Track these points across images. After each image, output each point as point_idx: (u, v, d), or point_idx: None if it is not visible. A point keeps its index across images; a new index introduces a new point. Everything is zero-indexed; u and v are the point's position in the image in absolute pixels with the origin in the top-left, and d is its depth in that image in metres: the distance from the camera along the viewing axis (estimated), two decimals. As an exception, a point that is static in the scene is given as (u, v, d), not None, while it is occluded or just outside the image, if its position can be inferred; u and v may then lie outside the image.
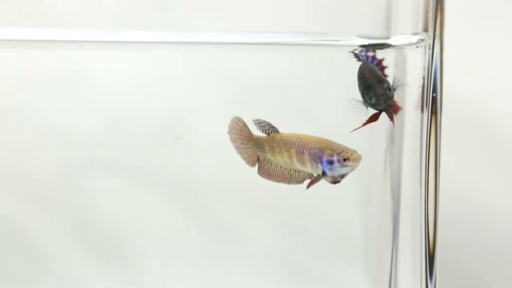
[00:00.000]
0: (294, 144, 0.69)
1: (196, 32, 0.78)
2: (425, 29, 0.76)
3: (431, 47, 0.75)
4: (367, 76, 0.73)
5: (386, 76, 0.74)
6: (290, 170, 0.71)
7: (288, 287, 0.87)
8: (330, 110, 0.78)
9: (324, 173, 0.69)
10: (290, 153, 0.69)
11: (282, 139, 0.70)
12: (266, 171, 0.72)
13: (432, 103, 0.75)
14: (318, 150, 0.68)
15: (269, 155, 0.71)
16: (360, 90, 0.73)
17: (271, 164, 0.72)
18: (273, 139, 0.71)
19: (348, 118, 0.73)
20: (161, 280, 0.87)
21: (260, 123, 0.72)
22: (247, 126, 0.73)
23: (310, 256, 0.86)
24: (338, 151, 0.68)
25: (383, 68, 0.76)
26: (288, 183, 0.71)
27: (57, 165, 0.85)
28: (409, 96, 0.77)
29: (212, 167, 0.83)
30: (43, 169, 0.85)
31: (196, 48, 0.80)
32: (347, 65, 0.76)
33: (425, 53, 0.76)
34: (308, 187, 0.70)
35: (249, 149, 0.73)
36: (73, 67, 0.84)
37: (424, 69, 0.76)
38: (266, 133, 0.72)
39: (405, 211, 0.80)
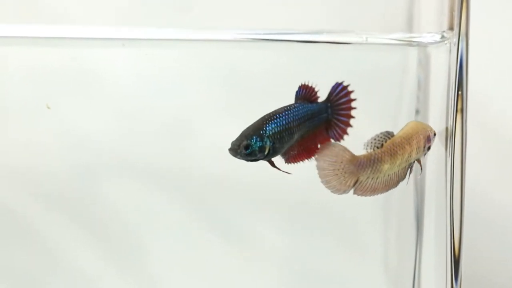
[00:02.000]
0: (414, 136, 0.70)
1: (205, 30, 0.78)
2: (450, 28, 0.75)
3: (456, 44, 0.75)
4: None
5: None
6: (394, 173, 0.69)
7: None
8: None
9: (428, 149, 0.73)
10: (412, 146, 0.70)
11: (402, 137, 0.70)
12: (368, 188, 0.68)
13: (457, 100, 0.75)
14: (424, 131, 0.72)
15: (386, 166, 0.68)
16: None
17: (371, 179, 0.68)
18: (393, 144, 0.69)
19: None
20: (170, 276, 0.86)
21: (373, 140, 0.69)
22: (347, 150, 0.67)
23: (328, 257, 0.85)
24: (429, 129, 0.73)
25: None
26: (396, 185, 0.70)
27: (68, 162, 0.85)
28: (434, 95, 0.77)
29: (222, 166, 0.82)
30: (53, 167, 0.85)
31: (207, 46, 0.79)
32: (356, 63, 0.76)
33: (450, 51, 0.75)
34: (421, 169, 0.73)
35: (344, 175, 0.68)
36: (85, 65, 0.83)
37: (448, 67, 0.76)
38: (379, 146, 0.69)
39: (429, 213, 0.78)
